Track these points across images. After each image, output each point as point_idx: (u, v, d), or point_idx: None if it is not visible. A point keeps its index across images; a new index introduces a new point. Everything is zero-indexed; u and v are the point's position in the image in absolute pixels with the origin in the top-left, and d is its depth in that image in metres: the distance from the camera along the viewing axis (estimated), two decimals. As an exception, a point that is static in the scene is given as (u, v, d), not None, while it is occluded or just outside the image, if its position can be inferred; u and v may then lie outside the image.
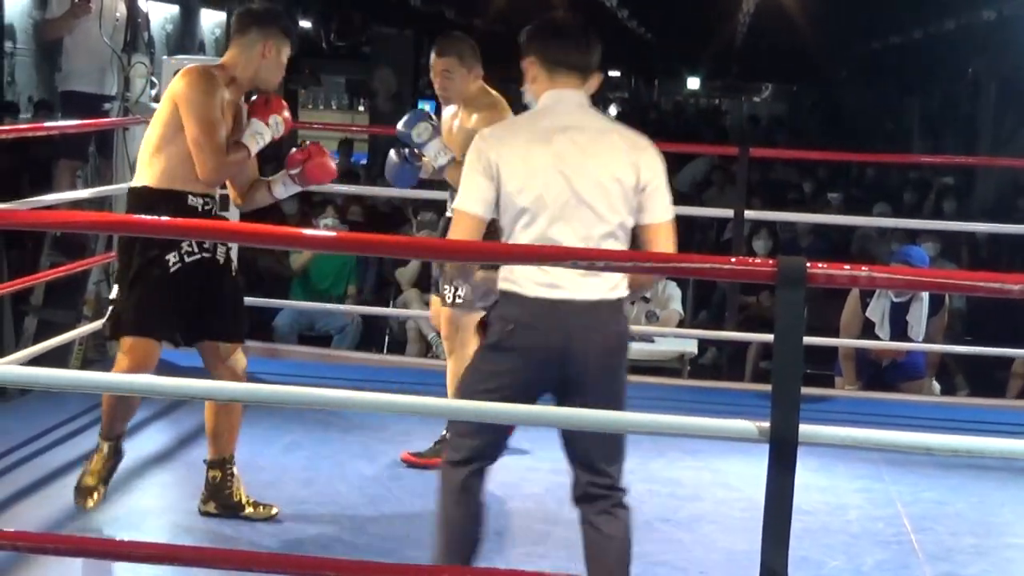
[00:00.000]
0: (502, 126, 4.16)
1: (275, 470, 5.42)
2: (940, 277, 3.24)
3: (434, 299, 5.73)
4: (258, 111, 4.85)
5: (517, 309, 3.76)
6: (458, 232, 3.77)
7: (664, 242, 3.81)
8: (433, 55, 5.53)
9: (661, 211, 3.84)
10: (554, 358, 3.73)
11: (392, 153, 5.67)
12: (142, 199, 4.80)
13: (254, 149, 4.83)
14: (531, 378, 3.77)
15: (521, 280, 3.75)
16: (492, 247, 3.80)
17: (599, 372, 3.76)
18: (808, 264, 2.88)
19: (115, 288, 4.86)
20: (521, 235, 3.77)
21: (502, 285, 3.80)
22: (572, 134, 3.81)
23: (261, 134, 4.81)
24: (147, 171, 4.79)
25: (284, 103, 4.96)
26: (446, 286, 5.41)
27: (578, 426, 3.50)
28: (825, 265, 2.97)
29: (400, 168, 5.63)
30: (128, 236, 4.76)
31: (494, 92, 5.60)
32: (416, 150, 5.43)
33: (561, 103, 3.88)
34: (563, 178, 3.75)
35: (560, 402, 3.76)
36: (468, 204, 3.81)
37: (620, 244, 3.79)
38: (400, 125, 5.38)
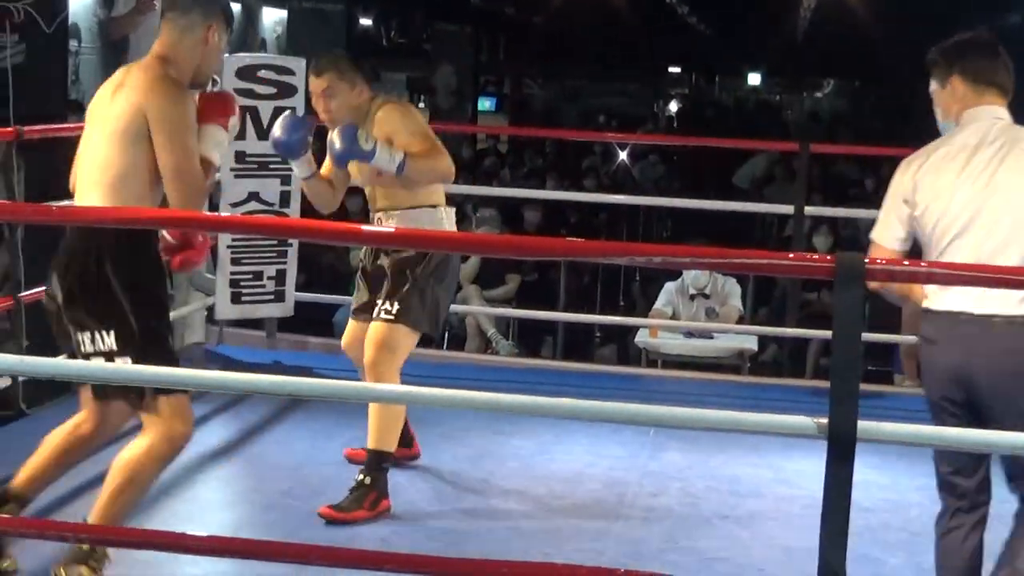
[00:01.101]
0: (926, 148, 3.87)
1: (336, 465, 5.45)
2: (1001, 273, 3.21)
3: (353, 324, 5.30)
4: (215, 113, 4.10)
5: (929, 325, 3.71)
6: None
7: None
8: (311, 77, 5.07)
9: None
10: (955, 374, 3.67)
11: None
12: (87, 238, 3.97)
13: (219, 163, 4.19)
14: (947, 395, 3.71)
15: (932, 294, 3.69)
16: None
17: (997, 390, 3.65)
18: (867, 260, 2.87)
19: None
20: (948, 251, 3.66)
21: (924, 303, 3.73)
22: (995, 148, 3.71)
23: (221, 143, 4.13)
24: (95, 192, 3.99)
25: (235, 98, 4.31)
26: (379, 299, 5.01)
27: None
28: (884, 261, 2.96)
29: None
30: None
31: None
32: (367, 161, 4.82)
33: (985, 119, 3.76)
34: (981, 193, 3.65)
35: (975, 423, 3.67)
36: (883, 238, 3.77)
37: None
38: (339, 144, 4.74)
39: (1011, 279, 3.12)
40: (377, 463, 4.91)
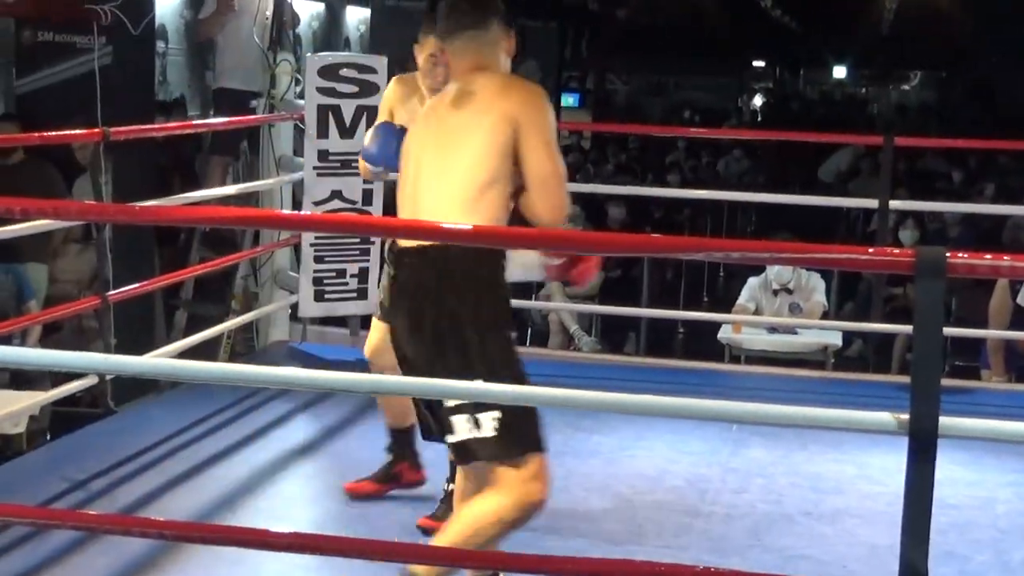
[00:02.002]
0: None
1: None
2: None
3: (380, 326, 4.87)
4: None
5: None
6: None
7: None
8: (430, 39, 4.63)
9: None
10: None
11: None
12: (480, 263, 3.66)
13: None
14: None
15: None
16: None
17: None
18: (948, 253, 2.83)
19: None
20: None
21: None
22: None
23: None
24: (466, 219, 3.63)
25: None
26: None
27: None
28: (965, 254, 2.91)
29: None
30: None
31: None
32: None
33: None
34: None
35: None
36: None
37: None
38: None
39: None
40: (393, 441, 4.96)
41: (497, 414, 3.57)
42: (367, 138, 4.68)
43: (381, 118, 4.90)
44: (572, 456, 5.62)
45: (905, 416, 2.83)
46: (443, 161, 3.73)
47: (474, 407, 3.58)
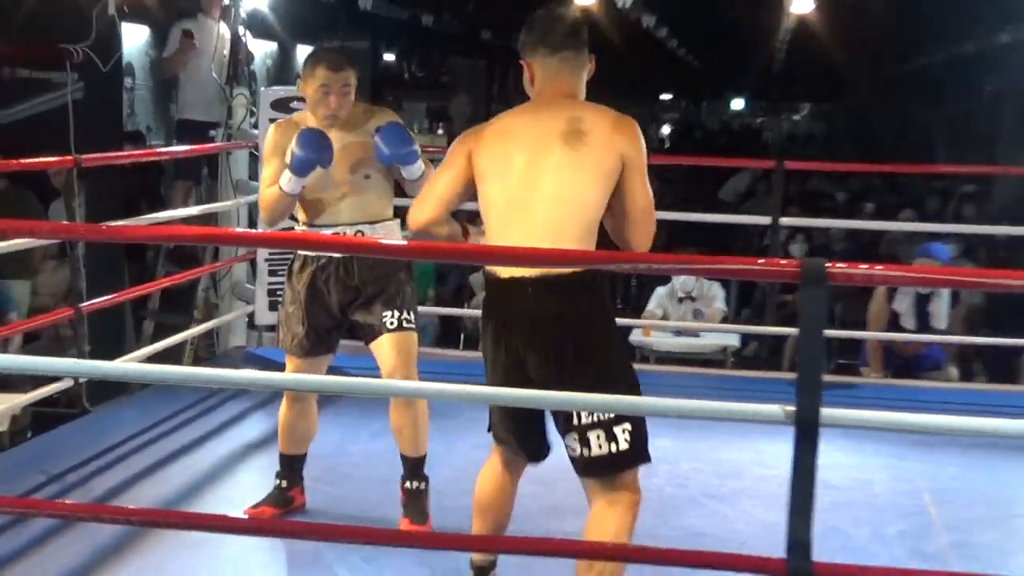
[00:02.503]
0: None
1: (362, 454, 5.46)
2: (947, 274, 3.21)
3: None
4: None
5: None
6: None
7: None
8: (326, 71, 4.41)
9: None
10: None
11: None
12: (589, 297, 3.49)
13: None
14: None
15: None
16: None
17: None
18: (828, 264, 2.87)
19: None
20: None
21: None
22: None
23: None
24: (573, 234, 3.46)
25: None
26: (388, 312, 4.53)
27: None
28: (844, 265, 2.95)
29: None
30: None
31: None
32: (406, 163, 4.45)
33: None
34: None
35: None
36: None
37: None
38: (394, 145, 4.38)
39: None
40: (421, 468, 4.69)
41: (628, 426, 3.47)
42: (292, 150, 4.33)
43: (271, 163, 4.50)
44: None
45: (792, 408, 2.86)
46: (559, 190, 3.47)
47: (611, 421, 3.45)
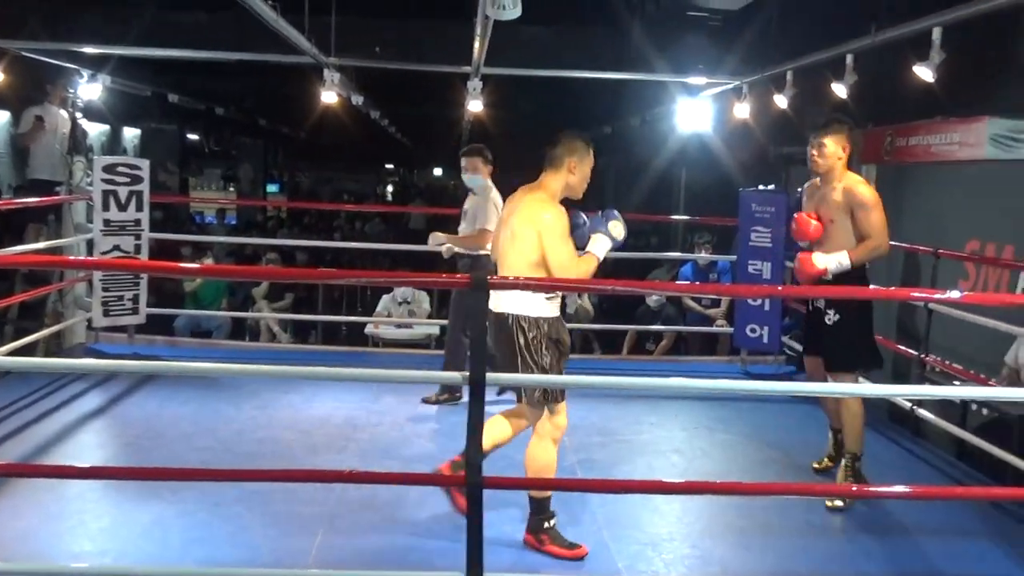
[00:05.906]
0: None
1: (176, 419, 5.20)
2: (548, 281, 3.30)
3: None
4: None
5: None
6: None
7: None
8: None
9: None
10: None
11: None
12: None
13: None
14: None
15: None
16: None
17: None
18: (489, 278, 2.92)
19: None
20: None
21: None
22: None
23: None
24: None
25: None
26: (526, 392, 3.66)
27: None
28: (499, 278, 2.99)
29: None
30: None
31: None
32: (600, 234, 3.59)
33: None
34: None
35: None
36: None
37: None
38: (600, 225, 3.61)
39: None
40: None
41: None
42: (612, 231, 3.61)
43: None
44: (275, 406, 5.48)
45: (468, 374, 2.90)
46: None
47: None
